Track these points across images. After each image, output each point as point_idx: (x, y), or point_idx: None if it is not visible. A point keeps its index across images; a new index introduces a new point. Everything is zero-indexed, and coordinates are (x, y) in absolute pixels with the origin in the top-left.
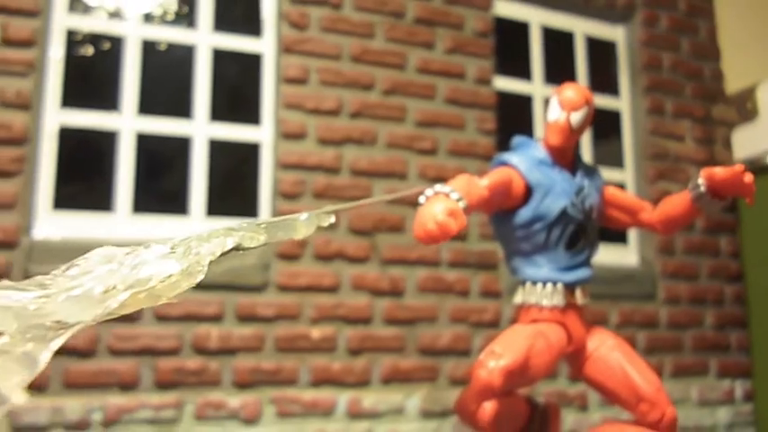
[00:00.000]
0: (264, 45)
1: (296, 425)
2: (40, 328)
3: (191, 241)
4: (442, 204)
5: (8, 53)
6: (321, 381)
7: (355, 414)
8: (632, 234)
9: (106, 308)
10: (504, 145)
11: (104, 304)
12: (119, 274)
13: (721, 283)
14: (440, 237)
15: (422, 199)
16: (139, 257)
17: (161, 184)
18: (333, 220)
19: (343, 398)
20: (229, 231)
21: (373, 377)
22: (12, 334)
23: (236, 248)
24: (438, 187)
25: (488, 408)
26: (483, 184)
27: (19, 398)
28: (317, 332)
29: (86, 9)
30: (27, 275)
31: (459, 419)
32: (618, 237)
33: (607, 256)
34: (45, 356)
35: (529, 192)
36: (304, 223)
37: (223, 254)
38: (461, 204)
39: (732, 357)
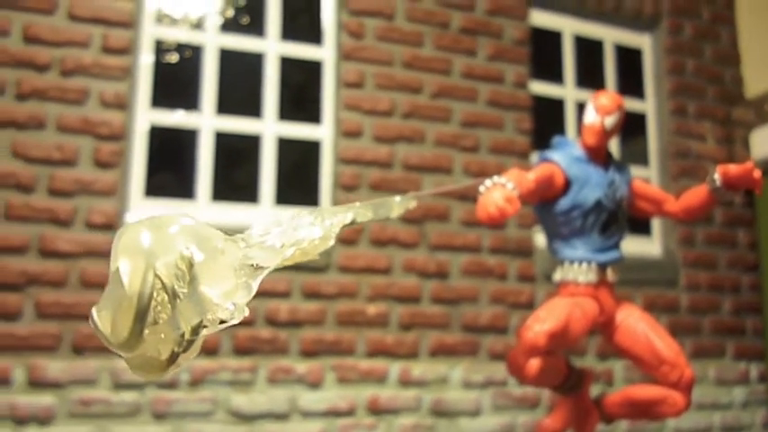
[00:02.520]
0: (325, 52)
1: (353, 390)
2: (249, 268)
3: (324, 214)
4: (500, 192)
5: (107, 60)
6: (375, 352)
7: (405, 382)
8: (656, 227)
9: (283, 258)
10: (539, 144)
11: (281, 255)
12: (286, 235)
13: (738, 273)
14: (499, 218)
15: (482, 188)
16: (296, 223)
17: (236, 176)
18: (415, 204)
19: (395, 368)
20: (348, 208)
21: (421, 350)
22: (236, 269)
23: (353, 222)
24: (496, 179)
25: (534, 364)
26: (530, 177)
27: (246, 312)
28: (372, 309)
29: (172, 21)
30: None
31: (509, 372)
32: (643, 229)
33: (633, 246)
34: (255, 286)
35: (568, 184)
36: (397, 205)
37: (345, 225)
38: (515, 193)
39: (748, 341)
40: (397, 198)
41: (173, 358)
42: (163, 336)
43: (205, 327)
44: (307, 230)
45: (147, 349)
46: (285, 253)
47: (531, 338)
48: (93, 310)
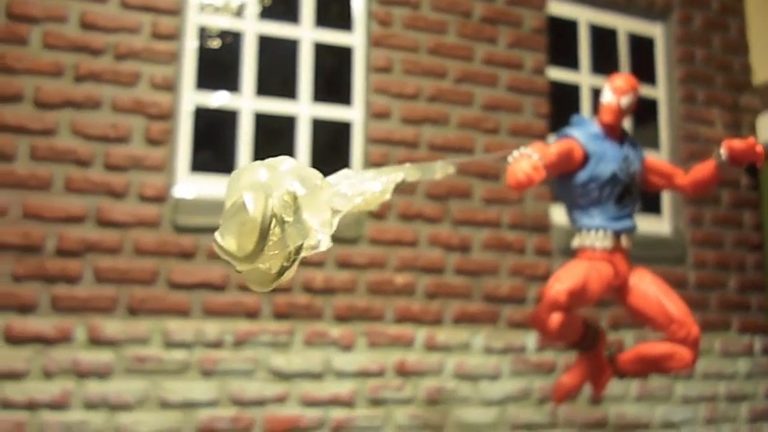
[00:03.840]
0: (355, 39)
1: (383, 354)
2: (328, 211)
3: (381, 172)
4: (527, 161)
5: (156, 45)
6: (403, 318)
7: (430, 347)
8: (666, 206)
9: (353, 204)
10: (555, 127)
11: (352, 202)
12: (354, 186)
13: (744, 252)
14: (526, 184)
15: (510, 158)
16: (361, 177)
17: (273, 154)
18: (453, 170)
19: (421, 334)
20: (400, 169)
21: (445, 318)
22: (328, 205)
23: (404, 180)
24: (523, 149)
25: (555, 318)
26: (553, 150)
27: (330, 244)
28: (400, 279)
29: (214, 9)
30: (174, 226)
31: (533, 328)
32: (653, 208)
33: (644, 225)
34: (335, 224)
35: (586, 159)
36: (440, 168)
37: (397, 184)
38: (540, 162)
39: (752, 316)
40: (439, 163)
41: (281, 272)
42: (275, 253)
43: (304, 249)
44: (369, 184)
45: (264, 262)
46: (355, 200)
47: (552, 295)
48: (217, 235)
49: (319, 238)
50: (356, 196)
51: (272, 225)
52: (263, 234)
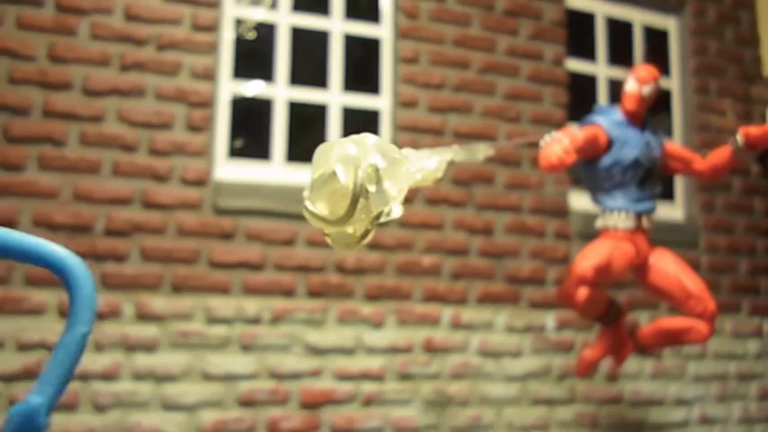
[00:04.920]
0: (383, 31)
1: (411, 331)
2: (403, 182)
3: (434, 152)
4: (558, 146)
5: (197, 36)
6: (430, 298)
7: (456, 325)
8: (679, 193)
9: (414, 179)
10: (573, 115)
11: (414, 177)
12: (414, 164)
13: (754, 237)
14: (558, 166)
15: (542, 142)
16: (419, 155)
17: (306, 140)
18: (492, 153)
19: (447, 312)
20: (449, 150)
21: (469, 298)
22: (403, 177)
23: (452, 160)
24: (553, 134)
25: (582, 292)
26: (580, 136)
27: (402, 212)
28: (427, 260)
29: (250, 2)
30: (215, 208)
31: (561, 302)
32: (667, 195)
33: (658, 211)
34: (402, 193)
35: (610, 144)
36: (481, 151)
37: (448, 162)
38: (570, 147)
39: (762, 299)
40: (481, 146)
41: (364, 235)
42: (361, 218)
43: (383, 215)
44: (426, 162)
45: (351, 226)
46: (416, 176)
47: (580, 271)
48: (307, 203)
49: (396, 207)
50: (417, 172)
51: (361, 193)
52: (354, 201)
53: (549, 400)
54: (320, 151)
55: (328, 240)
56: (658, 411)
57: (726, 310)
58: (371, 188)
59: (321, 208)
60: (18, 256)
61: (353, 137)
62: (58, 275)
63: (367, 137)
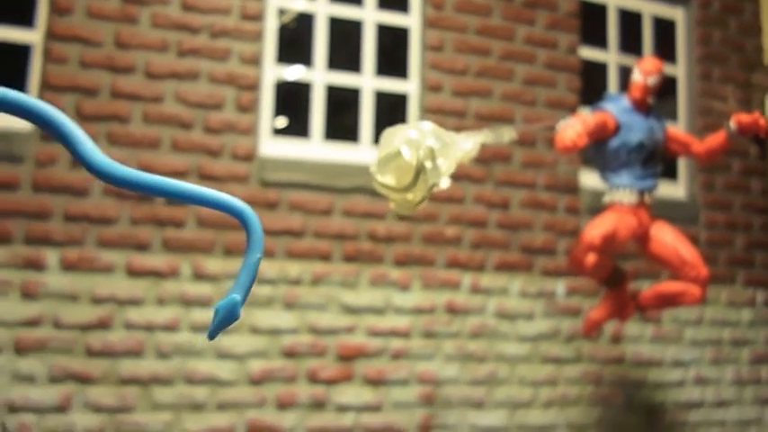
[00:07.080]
0: (412, 21)
1: (435, 294)
2: (452, 160)
3: (470, 135)
4: (572, 130)
5: (245, 25)
6: (452, 265)
7: (474, 290)
8: (681, 173)
9: (455, 159)
10: (586, 100)
11: (456, 157)
12: (458, 144)
13: (750, 215)
14: (572, 149)
15: (558, 126)
16: (457, 138)
17: (341, 121)
18: (516, 135)
19: (467, 278)
20: (481, 133)
21: (487, 265)
22: (453, 156)
23: (484, 142)
24: (568, 119)
25: (591, 258)
26: (591, 121)
27: (449, 183)
28: (449, 231)
29: None
30: (261, 181)
31: (571, 267)
32: (670, 174)
33: (661, 189)
34: (450, 168)
35: (617, 128)
36: (506, 134)
37: (481, 143)
38: (583, 131)
39: (756, 272)
40: (506, 129)
41: (421, 201)
42: (420, 187)
43: (436, 186)
44: (464, 144)
45: (412, 193)
46: (457, 155)
47: (589, 239)
48: (377, 176)
49: (445, 180)
50: (458, 151)
51: (421, 168)
52: (417, 173)
53: (558, 359)
54: (386, 134)
55: (392, 206)
56: (657, 372)
57: (722, 281)
58: (428, 164)
59: (389, 179)
60: (208, 205)
61: (414, 123)
62: (238, 219)
63: (424, 123)
